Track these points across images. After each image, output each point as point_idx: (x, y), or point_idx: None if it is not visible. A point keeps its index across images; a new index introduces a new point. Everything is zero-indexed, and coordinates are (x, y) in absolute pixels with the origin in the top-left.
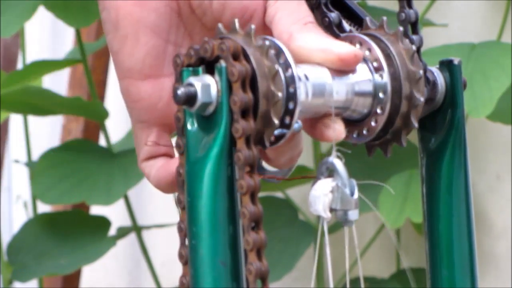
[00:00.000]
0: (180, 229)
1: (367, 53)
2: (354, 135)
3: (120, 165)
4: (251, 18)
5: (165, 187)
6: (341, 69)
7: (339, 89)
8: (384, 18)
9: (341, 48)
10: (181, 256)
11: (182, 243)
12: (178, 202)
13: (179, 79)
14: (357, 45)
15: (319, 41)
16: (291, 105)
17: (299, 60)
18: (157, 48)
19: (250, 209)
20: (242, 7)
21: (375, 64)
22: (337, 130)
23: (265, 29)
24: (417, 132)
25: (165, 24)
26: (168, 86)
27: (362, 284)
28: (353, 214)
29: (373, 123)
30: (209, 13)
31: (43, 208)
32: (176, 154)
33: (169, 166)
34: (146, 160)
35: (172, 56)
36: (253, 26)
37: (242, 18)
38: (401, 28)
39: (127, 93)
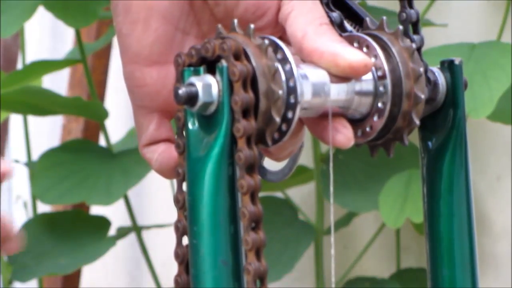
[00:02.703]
0: (177, 228)
1: (364, 49)
2: (356, 135)
3: (120, 165)
4: (264, 15)
5: (167, 173)
6: (348, 76)
7: (340, 89)
8: (384, 17)
9: (353, 56)
10: (177, 256)
11: (179, 243)
12: (176, 201)
13: (180, 79)
14: (355, 44)
15: (333, 45)
16: (292, 100)
17: (308, 60)
18: (166, 34)
19: (250, 209)
20: (255, 4)
21: (373, 59)
22: (346, 135)
23: (277, 27)
24: (418, 132)
25: (176, 12)
26: (172, 73)
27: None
28: None
29: (374, 123)
30: (222, 5)
31: (43, 208)
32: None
33: (171, 151)
34: (148, 145)
35: (179, 44)
36: (252, 26)
37: (254, 14)
38: (400, 27)
39: (131, 78)
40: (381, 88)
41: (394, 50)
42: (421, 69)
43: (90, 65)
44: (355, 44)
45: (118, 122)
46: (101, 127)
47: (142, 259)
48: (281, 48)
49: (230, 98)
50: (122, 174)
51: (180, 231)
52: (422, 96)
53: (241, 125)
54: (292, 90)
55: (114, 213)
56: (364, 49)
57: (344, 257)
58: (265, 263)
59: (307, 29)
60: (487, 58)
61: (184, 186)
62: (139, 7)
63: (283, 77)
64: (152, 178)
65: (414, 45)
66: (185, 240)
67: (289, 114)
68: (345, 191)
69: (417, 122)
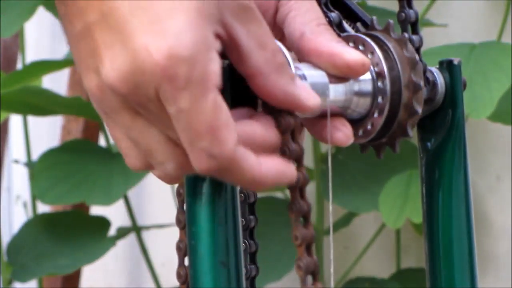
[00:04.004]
0: (179, 249)
1: (369, 56)
2: (357, 135)
3: (120, 165)
4: (262, 16)
5: (168, 179)
6: (347, 76)
7: (338, 89)
8: (391, 21)
9: (351, 56)
10: (179, 276)
11: (181, 263)
12: (178, 222)
13: None
14: (361, 47)
15: (331, 45)
16: None
17: (306, 60)
18: None
19: (299, 204)
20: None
21: (376, 68)
22: (346, 133)
23: (275, 29)
24: (417, 132)
25: None
26: None
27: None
28: None
29: (370, 125)
30: None
31: (43, 208)
32: None
33: None
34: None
35: None
36: None
37: None
38: (406, 35)
39: None
40: (379, 92)
41: (396, 57)
42: (421, 83)
43: None
44: (361, 47)
45: None
46: (101, 127)
47: (142, 259)
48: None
49: (230, 98)
50: (122, 174)
51: (182, 251)
52: (419, 110)
53: None
54: None
55: (114, 213)
56: (369, 55)
57: (344, 257)
58: (316, 258)
59: (305, 29)
60: (487, 58)
61: (185, 207)
62: None
63: None
64: (152, 178)
65: (417, 57)
66: (188, 261)
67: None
68: (345, 192)
69: (411, 133)
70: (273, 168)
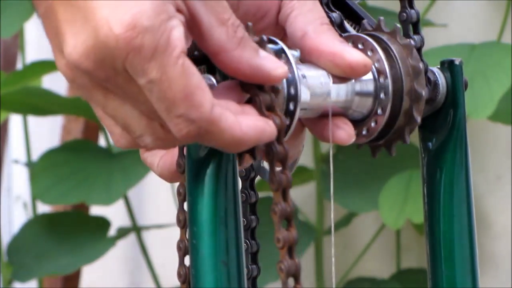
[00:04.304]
0: (179, 248)
1: (369, 53)
2: (361, 133)
3: (120, 165)
4: (264, 16)
5: (169, 177)
6: (348, 77)
7: (339, 89)
8: (381, 18)
9: (352, 56)
10: (179, 276)
11: (181, 263)
12: (178, 221)
13: None
14: (360, 46)
15: (333, 45)
16: (291, 106)
17: (307, 60)
18: None
19: (281, 206)
20: (256, 5)
21: (376, 65)
22: (348, 131)
23: (277, 28)
24: (418, 132)
25: None
26: None
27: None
28: None
29: (374, 123)
30: None
31: (43, 208)
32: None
33: (172, 154)
34: (149, 150)
35: None
36: (250, 24)
37: (255, 16)
38: (398, 25)
39: None
40: (381, 90)
41: (394, 49)
42: (421, 66)
43: None
44: (360, 46)
45: None
46: (101, 127)
47: (142, 259)
48: (285, 53)
49: None
50: (122, 174)
51: (182, 251)
52: (423, 92)
53: None
54: (292, 97)
55: (114, 213)
56: (369, 53)
57: (344, 257)
58: (298, 261)
59: (307, 29)
60: (487, 58)
61: (185, 206)
62: None
63: (285, 84)
64: (152, 178)
65: (412, 42)
66: (188, 260)
67: (287, 121)
68: (345, 191)
69: (418, 119)
70: (253, 125)
